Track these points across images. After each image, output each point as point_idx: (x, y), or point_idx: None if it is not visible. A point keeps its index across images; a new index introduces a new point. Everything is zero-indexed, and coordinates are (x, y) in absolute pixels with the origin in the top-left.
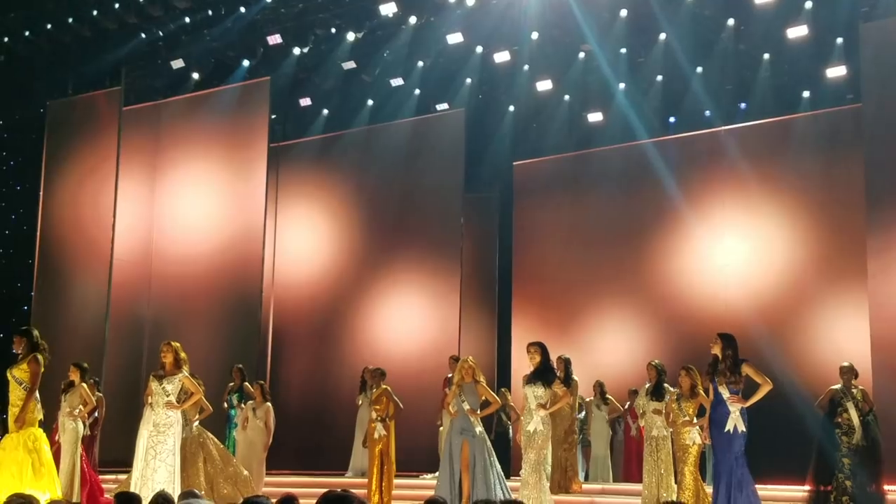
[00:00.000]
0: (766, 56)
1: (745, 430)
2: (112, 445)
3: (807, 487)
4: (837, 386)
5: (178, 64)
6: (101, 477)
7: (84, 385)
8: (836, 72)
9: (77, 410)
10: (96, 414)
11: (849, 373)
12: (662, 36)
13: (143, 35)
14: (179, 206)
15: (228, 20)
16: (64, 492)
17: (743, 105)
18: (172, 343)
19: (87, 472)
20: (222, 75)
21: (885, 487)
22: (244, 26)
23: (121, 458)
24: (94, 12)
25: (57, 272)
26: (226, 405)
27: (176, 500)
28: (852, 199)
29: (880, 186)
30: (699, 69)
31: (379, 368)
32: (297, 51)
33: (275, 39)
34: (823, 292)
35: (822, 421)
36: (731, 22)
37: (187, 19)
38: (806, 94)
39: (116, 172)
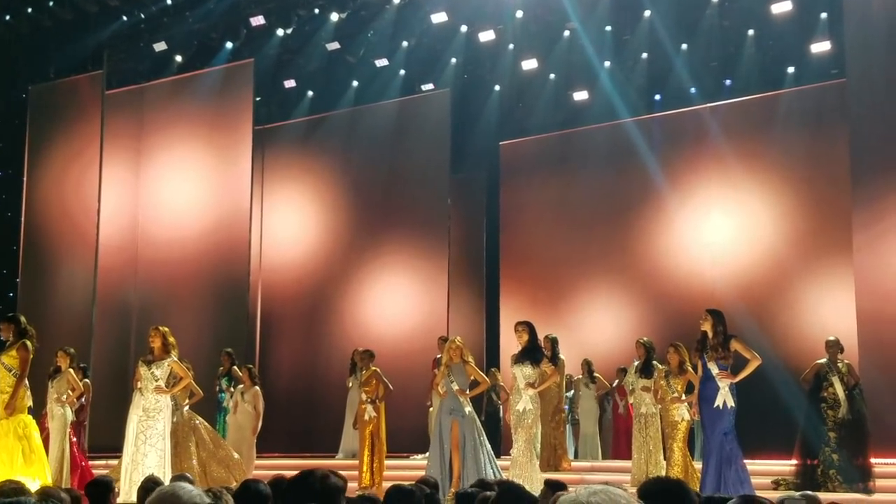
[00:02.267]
0: (751, 32)
1: (734, 405)
2: (102, 431)
3: (794, 461)
4: (823, 360)
5: (160, 47)
6: (91, 462)
7: (71, 371)
8: (821, 47)
9: (65, 396)
10: (83, 400)
11: (834, 347)
12: (647, 13)
13: (125, 18)
14: (165, 190)
15: (210, 2)
16: (54, 478)
17: (728, 82)
18: (160, 328)
19: (77, 457)
20: (205, 58)
21: (871, 460)
22: (226, 8)
23: (111, 444)
24: None
25: (42, 258)
26: (216, 389)
27: (166, 483)
28: (837, 173)
29: (865, 161)
30: (684, 46)
31: (368, 350)
32: (280, 32)
33: (258, 21)
34: (809, 267)
35: (808, 395)
36: None
37: (169, 1)
38: (791, 69)
39: (100, 157)
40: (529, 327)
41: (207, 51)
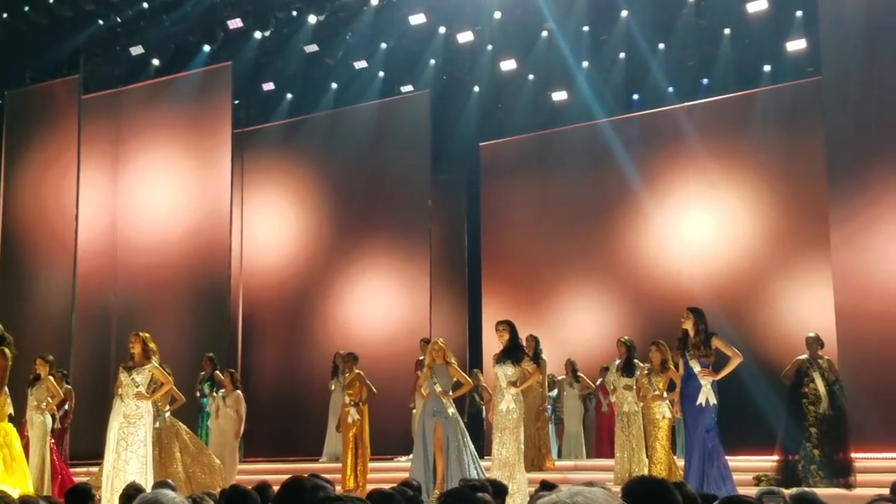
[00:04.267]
0: (727, 31)
1: (716, 402)
2: (83, 438)
3: (775, 457)
4: (803, 356)
5: (137, 50)
6: (72, 470)
7: (51, 378)
8: (796, 45)
9: (44, 404)
10: (66, 406)
11: (815, 343)
12: (624, 13)
13: (101, 22)
14: (143, 194)
15: (187, 5)
16: (35, 486)
17: (705, 81)
18: (141, 333)
19: (57, 465)
20: (183, 61)
21: (852, 455)
22: (203, 11)
23: (92, 451)
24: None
25: (21, 265)
26: (198, 394)
27: (149, 490)
28: (814, 170)
29: (841, 157)
30: (661, 46)
31: (351, 353)
32: (258, 35)
33: (235, 24)
34: (787, 264)
35: (789, 391)
36: None
37: (145, 4)
38: (767, 68)
39: (78, 162)
40: (510, 326)
41: (185, 54)
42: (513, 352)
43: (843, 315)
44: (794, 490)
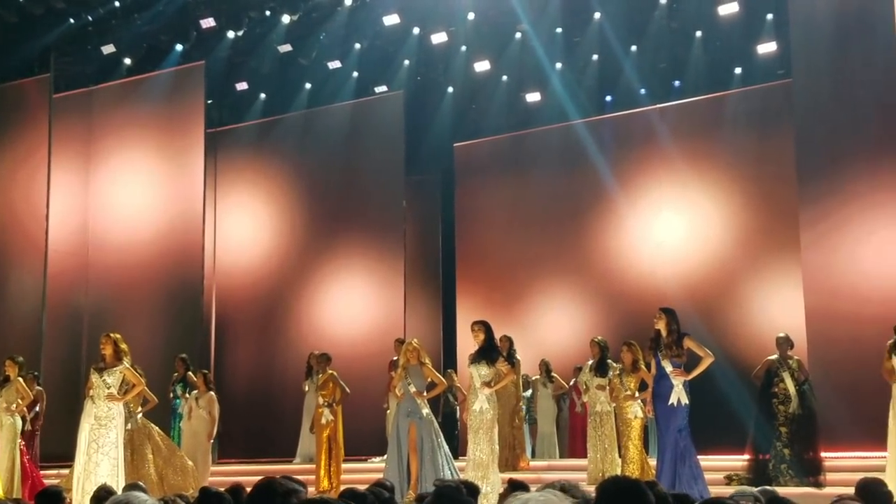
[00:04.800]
0: (699, 34)
1: (687, 402)
2: (53, 440)
3: (746, 457)
4: (773, 356)
5: (108, 49)
6: (43, 472)
7: (20, 379)
8: (767, 48)
9: (14, 405)
10: (37, 408)
11: (784, 343)
12: (597, 15)
13: (72, 20)
14: (115, 194)
15: (160, 4)
16: (5, 488)
17: (677, 83)
18: (112, 334)
19: (28, 467)
20: (155, 60)
21: (822, 454)
22: (176, 10)
23: (62, 453)
24: None
25: None
26: (171, 395)
27: (120, 493)
28: (784, 172)
29: (810, 159)
30: (633, 48)
31: (325, 353)
32: (231, 34)
33: (208, 23)
34: (758, 265)
35: (759, 391)
36: (663, 0)
37: (117, 3)
38: (738, 70)
39: (48, 162)
40: (486, 327)
41: (157, 53)
42: (488, 352)
43: (813, 315)
44: (759, 489)
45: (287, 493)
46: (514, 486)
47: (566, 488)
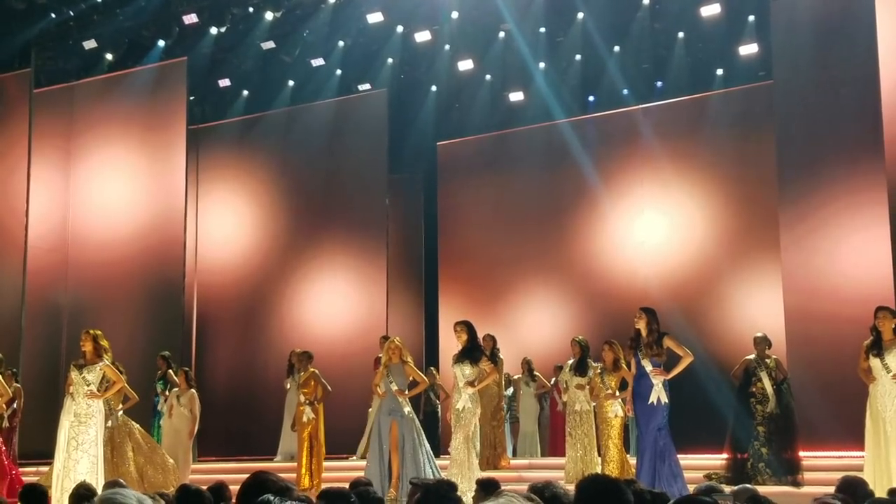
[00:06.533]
0: (681, 35)
1: (667, 401)
2: (32, 437)
3: (724, 456)
4: (751, 356)
5: (90, 44)
6: (22, 469)
7: None
8: (749, 49)
9: None
10: (15, 405)
11: (762, 343)
12: (580, 15)
13: (54, 15)
14: (96, 191)
15: None
16: None
17: (659, 83)
18: (92, 331)
19: (6, 464)
20: (137, 56)
21: (800, 453)
22: (158, 5)
23: (42, 450)
24: None
25: None
26: (152, 393)
27: (100, 491)
28: (765, 173)
29: (791, 161)
30: (616, 48)
31: (306, 351)
32: (214, 30)
33: (190, 19)
34: (738, 265)
35: (737, 390)
36: (646, 1)
37: None
38: (720, 71)
39: (29, 157)
40: (468, 327)
41: (139, 49)
42: (471, 352)
43: (793, 315)
44: (737, 487)
45: (281, 491)
46: (485, 487)
47: (531, 496)
